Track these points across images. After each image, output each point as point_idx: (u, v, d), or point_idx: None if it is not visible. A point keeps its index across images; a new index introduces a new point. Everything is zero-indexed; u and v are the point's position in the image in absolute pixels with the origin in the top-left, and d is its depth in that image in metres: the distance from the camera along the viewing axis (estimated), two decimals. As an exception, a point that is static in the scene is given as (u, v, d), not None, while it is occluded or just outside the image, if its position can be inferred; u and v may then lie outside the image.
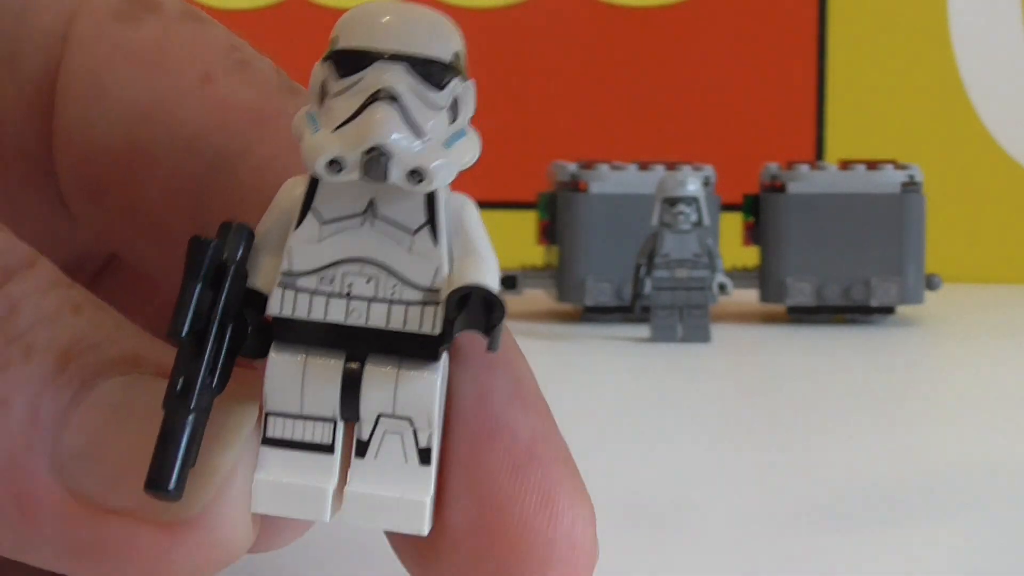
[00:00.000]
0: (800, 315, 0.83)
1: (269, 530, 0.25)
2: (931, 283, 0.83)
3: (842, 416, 0.59)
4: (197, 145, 0.26)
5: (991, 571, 0.38)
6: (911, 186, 0.82)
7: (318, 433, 0.22)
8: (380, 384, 0.21)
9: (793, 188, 0.82)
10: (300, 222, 0.22)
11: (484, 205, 0.23)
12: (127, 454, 0.21)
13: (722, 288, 0.75)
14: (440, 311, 0.21)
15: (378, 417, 0.21)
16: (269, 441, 0.22)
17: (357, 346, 0.21)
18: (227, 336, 0.21)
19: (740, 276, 0.83)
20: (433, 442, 0.22)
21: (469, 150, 0.22)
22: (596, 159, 0.84)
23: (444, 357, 0.22)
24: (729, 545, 0.40)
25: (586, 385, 0.67)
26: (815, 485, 0.47)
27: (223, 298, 0.21)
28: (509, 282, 0.83)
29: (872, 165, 0.82)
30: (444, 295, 0.21)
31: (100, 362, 0.22)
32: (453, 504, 0.23)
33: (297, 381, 0.21)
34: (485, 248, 0.22)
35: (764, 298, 0.83)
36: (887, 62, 1.09)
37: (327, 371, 0.21)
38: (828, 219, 0.81)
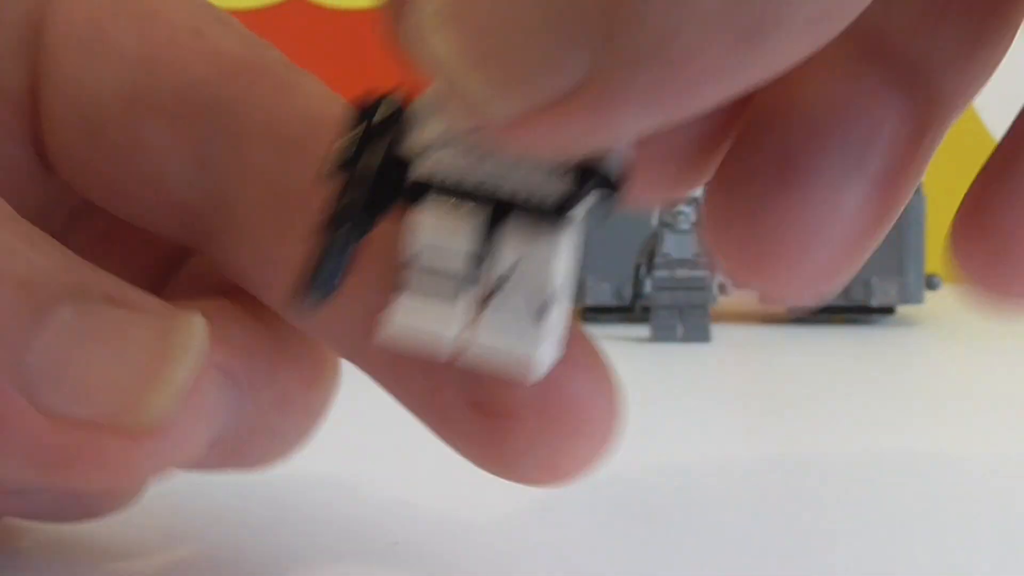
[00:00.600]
0: (800, 315, 0.83)
1: (240, 451, 0.27)
2: (931, 283, 0.83)
3: (842, 416, 0.59)
4: (196, 91, 0.28)
5: (990, 569, 0.38)
6: (911, 186, 0.82)
7: (447, 284, 0.24)
8: (512, 245, 0.23)
9: (793, 188, 0.82)
10: None
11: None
12: (89, 371, 0.23)
13: (722, 288, 0.75)
14: (571, 180, 0.23)
15: (505, 274, 0.23)
16: (403, 286, 0.24)
17: (493, 209, 0.23)
18: (374, 185, 0.23)
19: (740, 276, 0.83)
20: (552, 300, 0.24)
21: None
22: (596, 159, 0.84)
23: (574, 225, 0.24)
24: (729, 544, 0.40)
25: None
26: (816, 484, 0.47)
27: (376, 150, 0.23)
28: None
29: (872, 165, 0.82)
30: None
31: (56, 289, 0.24)
32: (517, 389, 0.25)
33: (435, 236, 0.23)
34: None
35: (764, 298, 0.83)
36: (887, 62, 1.09)
37: (464, 229, 0.23)
38: (828, 219, 0.81)
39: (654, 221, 0.74)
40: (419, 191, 0.23)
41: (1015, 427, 0.57)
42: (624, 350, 0.74)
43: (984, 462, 0.51)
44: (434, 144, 0.23)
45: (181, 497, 0.45)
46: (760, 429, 0.57)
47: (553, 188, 0.23)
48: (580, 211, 0.24)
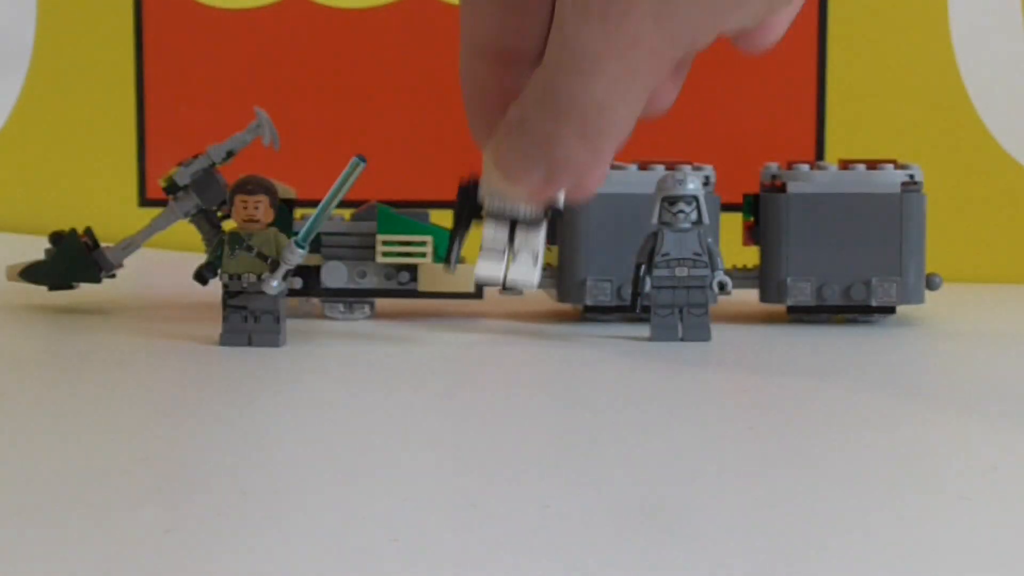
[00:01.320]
0: (800, 315, 0.83)
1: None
2: (931, 283, 0.83)
3: (842, 416, 0.59)
4: None
5: (992, 566, 0.38)
6: (911, 186, 0.82)
7: (498, 253, 0.46)
8: (521, 233, 0.45)
9: (793, 188, 0.82)
10: None
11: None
12: None
13: (722, 287, 0.75)
14: (543, 208, 0.44)
15: (520, 245, 0.46)
16: (483, 251, 0.47)
17: (512, 222, 0.46)
18: (468, 216, 0.45)
19: (740, 276, 0.83)
20: (539, 257, 0.47)
21: None
22: (596, 159, 0.84)
23: (543, 226, 0.47)
24: (730, 543, 0.40)
25: (586, 385, 0.67)
26: (815, 484, 0.47)
27: (469, 201, 0.45)
28: (555, 225, 0.83)
29: (872, 165, 0.82)
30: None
31: None
32: None
33: (494, 230, 0.46)
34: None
35: (764, 298, 0.83)
36: (887, 62, 1.09)
37: (503, 229, 0.46)
38: (828, 219, 0.81)
39: (654, 220, 0.74)
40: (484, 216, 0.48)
41: (1015, 425, 0.57)
42: (624, 350, 0.74)
43: (984, 460, 0.51)
44: (490, 196, 0.47)
45: (182, 491, 0.45)
46: (760, 429, 0.57)
47: (536, 211, 0.44)
48: (545, 220, 0.46)
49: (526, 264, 0.57)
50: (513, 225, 0.58)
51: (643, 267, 0.75)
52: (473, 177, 0.60)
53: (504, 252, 0.58)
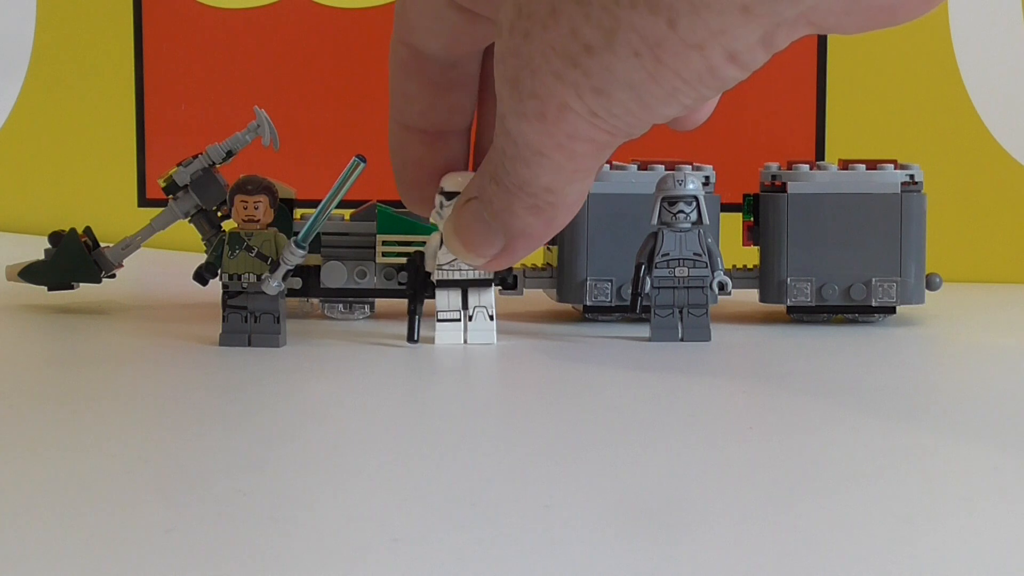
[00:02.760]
0: (800, 315, 0.83)
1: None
2: (931, 283, 0.83)
3: (842, 416, 0.59)
4: None
5: (992, 568, 0.38)
6: (911, 186, 0.82)
7: (454, 315, 0.67)
8: (474, 294, 0.66)
9: (793, 188, 0.82)
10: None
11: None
12: None
13: (722, 287, 0.75)
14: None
15: (474, 307, 0.68)
16: (440, 320, 0.71)
17: (466, 285, 0.69)
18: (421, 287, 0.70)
19: (740, 276, 0.83)
20: (493, 313, 0.70)
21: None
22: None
23: (492, 286, 0.70)
24: (730, 543, 0.40)
25: (586, 385, 0.67)
26: (815, 484, 0.47)
27: (420, 273, 0.72)
28: (509, 282, 0.83)
29: (872, 165, 0.82)
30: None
31: None
32: None
33: (447, 297, 0.66)
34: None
35: (764, 298, 0.83)
36: (887, 62, 1.09)
37: (456, 293, 0.66)
38: (828, 219, 0.81)
39: (654, 220, 0.74)
40: (437, 284, 0.71)
41: (1015, 426, 0.57)
42: (624, 350, 0.74)
43: (984, 460, 0.51)
44: (441, 265, 0.70)
45: (182, 491, 0.45)
46: (760, 429, 0.57)
47: (484, 272, 0.61)
48: (493, 280, 0.69)
49: (483, 324, 0.69)
50: (465, 289, 0.69)
51: (643, 267, 0.76)
52: (418, 252, 0.71)
53: (460, 316, 0.70)
